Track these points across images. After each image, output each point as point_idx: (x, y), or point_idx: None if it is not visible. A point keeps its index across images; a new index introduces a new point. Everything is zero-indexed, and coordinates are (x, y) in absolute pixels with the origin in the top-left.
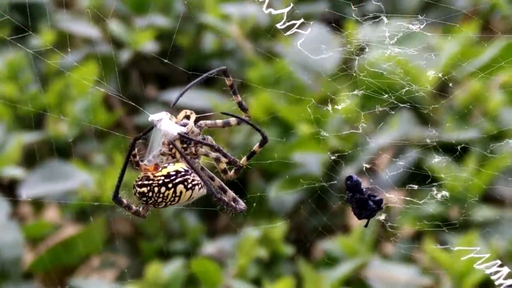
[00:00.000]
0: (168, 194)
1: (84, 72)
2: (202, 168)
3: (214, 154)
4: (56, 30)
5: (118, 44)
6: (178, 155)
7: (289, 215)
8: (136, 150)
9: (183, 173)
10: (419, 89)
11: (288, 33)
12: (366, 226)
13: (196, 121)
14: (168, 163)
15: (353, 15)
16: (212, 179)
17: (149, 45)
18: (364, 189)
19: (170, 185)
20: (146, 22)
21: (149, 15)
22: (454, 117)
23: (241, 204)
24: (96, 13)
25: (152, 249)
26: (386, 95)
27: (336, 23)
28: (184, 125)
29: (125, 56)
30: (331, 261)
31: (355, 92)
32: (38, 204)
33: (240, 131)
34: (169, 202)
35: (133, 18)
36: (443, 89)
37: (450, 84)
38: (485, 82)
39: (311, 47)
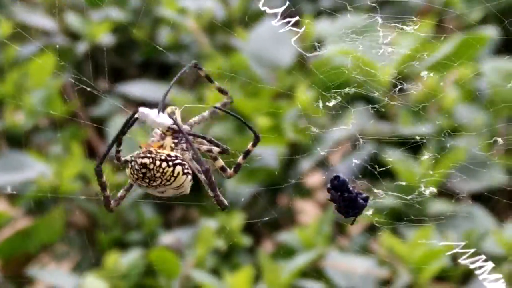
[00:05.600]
0: (167, 171)
1: (41, 63)
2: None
3: (205, 147)
4: (13, 22)
5: (74, 36)
6: (168, 146)
7: (245, 207)
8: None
9: (181, 159)
10: (376, 85)
11: (283, 30)
12: (352, 223)
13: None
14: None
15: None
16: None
17: (105, 38)
18: (351, 188)
19: (170, 163)
20: (102, 15)
21: (105, 9)
22: (410, 112)
23: (225, 201)
24: (52, 5)
25: (108, 240)
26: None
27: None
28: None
29: (81, 48)
30: (288, 252)
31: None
32: None
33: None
34: (164, 181)
35: (89, 11)
36: (398, 85)
37: (404, 81)
38: (441, 78)
39: (268, 41)
